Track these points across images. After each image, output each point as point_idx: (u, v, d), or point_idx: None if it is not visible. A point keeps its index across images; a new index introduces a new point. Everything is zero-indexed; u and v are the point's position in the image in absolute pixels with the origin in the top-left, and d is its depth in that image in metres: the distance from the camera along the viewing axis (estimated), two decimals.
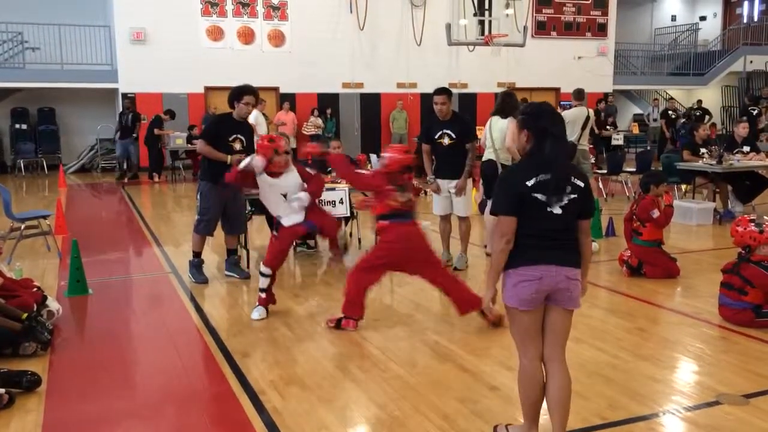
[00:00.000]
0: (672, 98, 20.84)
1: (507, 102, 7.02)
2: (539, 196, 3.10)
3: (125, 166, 16.31)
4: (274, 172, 5.42)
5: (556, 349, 3.23)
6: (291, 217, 5.49)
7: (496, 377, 4.26)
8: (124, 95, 17.30)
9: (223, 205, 6.60)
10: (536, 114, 3.23)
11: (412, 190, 5.26)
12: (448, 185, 6.84)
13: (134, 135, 15.91)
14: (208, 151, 6.46)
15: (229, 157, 6.33)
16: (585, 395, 3.97)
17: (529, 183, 3.09)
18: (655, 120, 20.45)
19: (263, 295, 5.56)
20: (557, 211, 3.12)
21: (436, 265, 5.28)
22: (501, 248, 3.14)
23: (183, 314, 5.77)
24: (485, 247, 8.06)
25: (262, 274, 5.51)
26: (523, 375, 3.25)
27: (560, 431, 3.23)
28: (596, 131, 15.86)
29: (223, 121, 6.75)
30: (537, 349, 3.22)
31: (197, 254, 6.72)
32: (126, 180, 15.84)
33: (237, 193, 6.62)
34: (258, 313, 5.53)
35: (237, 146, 6.45)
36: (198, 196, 6.70)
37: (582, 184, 3.18)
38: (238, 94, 6.48)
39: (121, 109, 16.29)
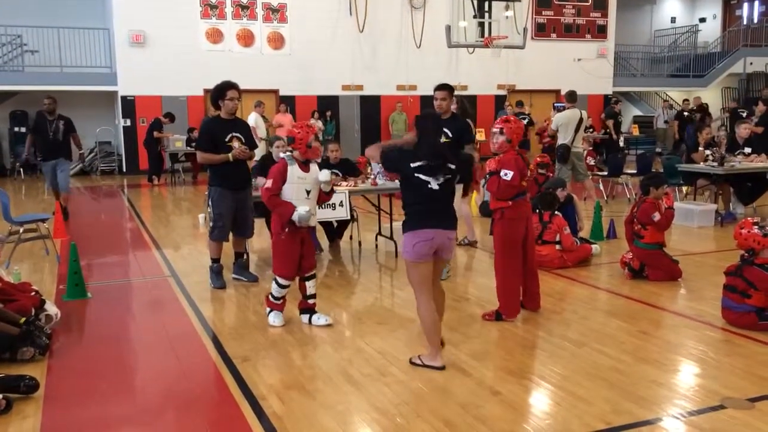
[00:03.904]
0: (686, 99, 20.71)
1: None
2: (421, 176, 4.26)
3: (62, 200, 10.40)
4: (309, 160, 5.36)
5: (437, 280, 4.55)
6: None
7: (499, 382, 4.23)
8: (123, 98, 17.32)
9: (234, 209, 6.48)
10: (424, 117, 4.54)
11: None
12: None
13: (68, 151, 10.63)
14: (208, 158, 6.39)
15: (230, 154, 6.29)
16: (588, 399, 3.93)
17: (413, 165, 4.26)
18: (665, 122, 20.36)
19: (279, 302, 5.42)
20: (435, 187, 4.26)
21: None
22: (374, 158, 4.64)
23: (182, 318, 5.73)
24: (464, 240, 8.06)
25: (280, 285, 5.35)
26: (424, 310, 4.35)
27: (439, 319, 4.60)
28: (613, 135, 16.03)
29: (214, 123, 6.55)
30: (429, 290, 4.37)
31: (216, 260, 6.61)
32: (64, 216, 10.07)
33: (248, 195, 6.60)
34: (279, 319, 5.41)
35: (236, 145, 6.35)
36: (209, 203, 6.56)
37: (454, 167, 4.34)
38: (219, 91, 6.32)
39: (39, 113, 11.03)
